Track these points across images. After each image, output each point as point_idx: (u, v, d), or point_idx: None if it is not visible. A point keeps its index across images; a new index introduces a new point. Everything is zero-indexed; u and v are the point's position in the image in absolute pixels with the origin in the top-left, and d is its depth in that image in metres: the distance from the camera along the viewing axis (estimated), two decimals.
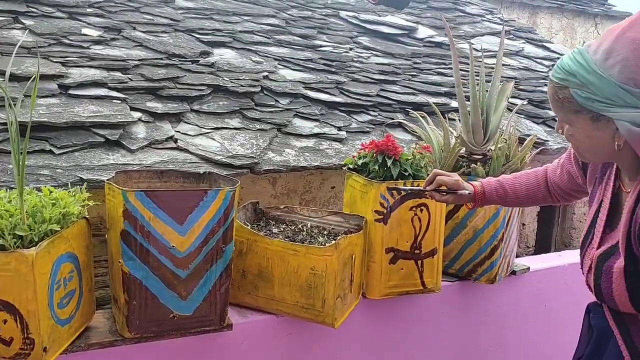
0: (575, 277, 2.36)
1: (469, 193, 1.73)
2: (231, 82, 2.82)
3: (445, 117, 2.36)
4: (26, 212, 1.39)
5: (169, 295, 1.58)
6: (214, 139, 2.37)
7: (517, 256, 2.45)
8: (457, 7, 5.60)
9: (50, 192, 1.50)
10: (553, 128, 3.34)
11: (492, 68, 3.77)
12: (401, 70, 3.68)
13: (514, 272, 2.36)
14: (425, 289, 2.04)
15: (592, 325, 1.48)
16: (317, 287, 1.74)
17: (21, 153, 1.32)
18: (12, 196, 1.46)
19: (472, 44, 4.85)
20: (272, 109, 2.73)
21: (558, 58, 4.85)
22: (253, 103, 2.74)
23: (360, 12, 4.59)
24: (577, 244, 3.75)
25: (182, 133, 2.37)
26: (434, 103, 3.12)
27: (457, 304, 2.24)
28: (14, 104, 1.31)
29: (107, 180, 1.60)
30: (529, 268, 2.42)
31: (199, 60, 3.01)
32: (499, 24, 5.45)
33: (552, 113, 3.49)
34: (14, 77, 2.31)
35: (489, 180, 1.80)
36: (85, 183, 1.62)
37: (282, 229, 2.00)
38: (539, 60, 4.62)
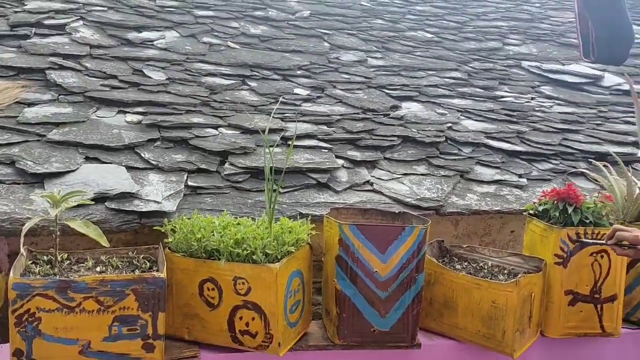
0: None
1: None
2: (418, 132, 3.16)
3: (629, 167, 2.42)
4: (272, 236, 1.84)
5: (371, 312, 1.92)
6: (403, 184, 2.71)
7: None
8: None
9: (287, 222, 1.95)
10: None
11: None
12: (585, 119, 3.71)
13: None
14: (604, 332, 2.13)
15: None
16: (497, 319, 1.95)
17: (274, 190, 1.78)
18: (259, 224, 1.93)
19: None
20: (455, 157, 3.01)
21: None
22: (438, 152, 3.05)
23: (543, 62, 4.68)
24: None
25: (377, 178, 2.75)
26: (620, 152, 3.14)
27: (637, 351, 2.26)
28: (268, 153, 1.78)
29: (326, 214, 2.01)
30: None
31: (389, 114, 3.41)
32: None
33: None
34: (246, 130, 2.90)
35: None
36: (309, 216, 2.05)
37: (464, 266, 2.25)
38: None
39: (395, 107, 3.53)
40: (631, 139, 3.40)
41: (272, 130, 2.92)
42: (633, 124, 3.70)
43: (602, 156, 3.05)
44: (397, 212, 2.16)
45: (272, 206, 1.80)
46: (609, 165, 2.55)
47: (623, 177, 2.43)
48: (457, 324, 2.06)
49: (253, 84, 3.57)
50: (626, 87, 4.35)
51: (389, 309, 1.93)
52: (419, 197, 2.59)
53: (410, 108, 3.57)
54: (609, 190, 2.41)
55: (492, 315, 1.96)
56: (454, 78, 4.20)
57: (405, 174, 2.81)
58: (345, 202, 2.49)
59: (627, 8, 3.05)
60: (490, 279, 2.12)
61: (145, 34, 3.99)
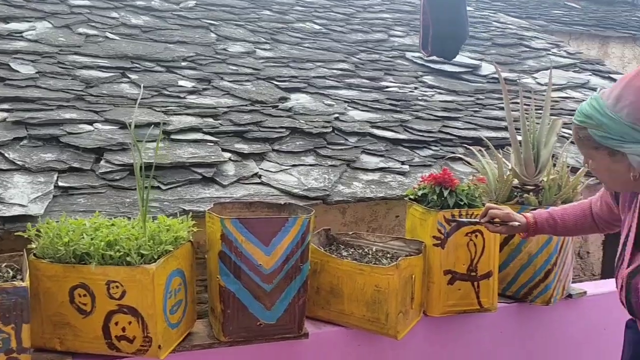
0: None
1: (519, 225, 1.95)
2: (306, 124, 3.17)
3: (501, 151, 2.58)
4: (147, 235, 1.76)
5: (256, 305, 1.90)
6: (292, 175, 2.71)
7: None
8: (523, 42, 5.77)
9: (164, 220, 1.87)
10: None
11: (557, 102, 3.93)
12: (464, 106, 3.91)
13: (570, 295, 2.51)
14: (482, 308, 2.25)
15: (628, 340, 1.66)
16: (380, 302, 2.00)
17: (147, 187, 1.70)
18: (134, 224, 1.84)
19: (536, 78, 5.00)
20: (342, 147, 3.05)
21: None
22: (325, 142, 3.07)
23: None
24: None
25: (265, 170, 2.72)
26: (495, 137, 3.34)
27: (513, 323, 2.42)
28: (135, 149, 1.69)
29: (208, 210, 1.96)
30: (585, 292, 2.56)
31: (278, 105, 3.39)
32: (565, 57, 5.57)
33: None
34: (124, 125, 2.76)
35: (540, 211, 2.02)
36: (190, 213, 1.98)
37: (350, 252, 2.29)
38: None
39: (283, 99, 3.52)
40: (504, 124, 3.62)
41: (155, 124, 2.81)
42: None
43: (478, 141, 3.23)
44: (282, 203, 2.15)
45: (145, 204, 1.72)
46: (482, 149, 2.69)
47: (495, 161, 2.58)
48: (343, 310, 2.09)
49: (134, 76, 3.41)
50: (502, 75, 4.64)
51: (275, 301, 1.92)
52: (306, 187, 2.60)
53: (298, 99, 3.58)
54: (482, 173, 2.55)
55: (376, 299, 2.01)
56: (341, 69, 4.27)
57: (294, 165, 2.81)
58: (232, 196, 2.44)
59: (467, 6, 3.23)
60: (374, 263, 2.16)
61: (13, 25, 3.69)
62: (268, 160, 2.81)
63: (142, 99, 3.11)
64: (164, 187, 2.38)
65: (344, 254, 2.27)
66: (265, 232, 1.87)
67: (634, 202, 1.64)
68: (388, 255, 2.25)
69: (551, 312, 2.46)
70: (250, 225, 1.86)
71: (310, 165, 2.83)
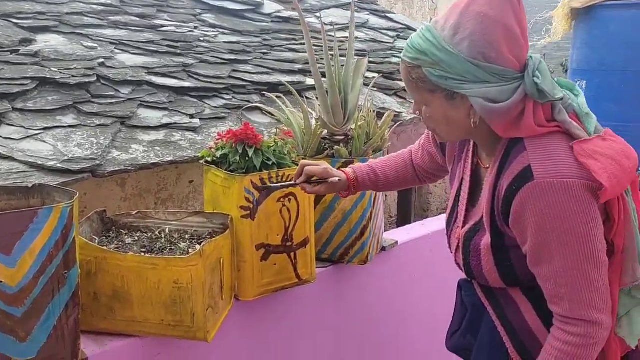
0: (439, 245, 2.43)
1: (339, 180, 1.67)
2: (60, 72, 2.47)
3: (302, 97, 2.26)
4: None
5: (3, 340, 1.31)
6: (45, 142, 2.05)
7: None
8: None
9: None
10: (405, 99, 3.41)
11: (343, 42, 3.76)
12: (251, 48, 3.51)
13: (383, 248, 2.37)
14: (300, 280, 1.95)
15: (464, 302, 1.49)
16: (183, 301, 1.56)
17: None
18: None
19: (320, 17, 4.81)
20: (113, 100, 2.44)
21: (402, 29, 4.99)
22: (89, 95, 2.42)
23: None
24: (435, 208, 3.93)
25: (5, 137, 2.01)
26: (289, 81, 3.02)
27: (332, 289, 2.19)
28: None
29: None
30: (397, 242, 2.44)
31: (19, 50, 2.59)
32: None
33: (402, 84, 3.56)
34: None
35: (360, 165, 1.77)
36: None
37: (136, 238, 1.78)
38: (384, 32, 4.71)
39: (27, 41, 2.72)
40: (297, 66, 3.33)
41: None
42: (297, 51, 3.66)
43: (274, 87, 2.88)
44: (30, 186, 1.53)
45: None
46: (282, 96, 2.34)
47: (298, 109, 2.25)
48: (134, 317, 1.60)
49: None
50: (286, 14, 4.33)
51: (31, 328, 1.35)
52: (67, 157, 1.98)
53: (48, 42, 2.80)
54: (286, 125, 2.21)
55: (177, 298, 1.56)
56: (103, 4, 3.52)
57: (46, 129, 2.14)
58: None
59: None
60: (170, 249, 1.71)
61: None
62: (8, 124, 2.09)
63: None
64: None
65: (129, 241, 1.76)
66: (3, 235, 1.28)
67: (464, 151, 1.44)
68: (186, 237, 1.80)
69: (367, 270, 2.29)
70: None
71: (71, 126, 2.19)
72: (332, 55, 2.17)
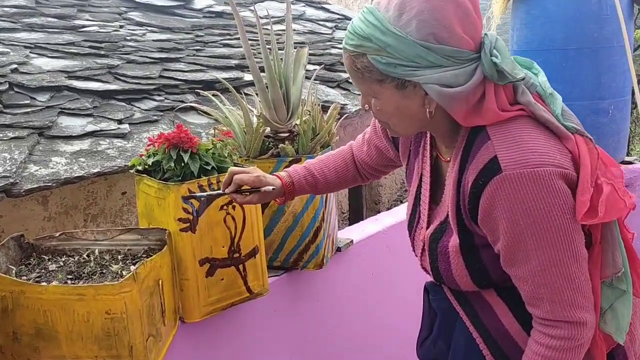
0: (395, 240, 2.31)
1: (273, 189, 1.51)
2: None
3: (241, 94, 2.09)
4: None
5: None
6: None
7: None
8: None
9: None
10: (348, 90, 3.29)
11: (280, 35, 3.60)
12: (183, 45, 3.30)
13: (339, 249, 2.23)
14: (252, 294, 1.78)
15: (432, 306, 1.37)
16: (118, 333, 1.36)
17: None
18: None
19: (255, 10, 4.62)
20: (28, 109, 2.19)
21: (339, 19, 4.87)
22: (0, 105, 2.17)
23: None
24: (386, 200, 3.83)
25: None
26: (225, 78, 2.84)
27: (287, 298, 2.04)
28: None
29: None
30: (352, 241, 2.31)
31: None
32: None
33: (345, 75, 3.43)
34: None
35: (295, 168, 1.60)
36: None
37: (61, 264, 1.57)
38: (321, 23, 4.58)
39: None
40: (234, 62, 3.14)
41: None
42: (232, 46, 3.48)
43: (210, 84, 2.69)
44: None
45: None
46: (219, 94, 2.16)
47: (237, 107, 2.08)
48: (62, 356, 1.39)
49: None
50: (218, 8, 4.13)
51: None
52: None
53: None
54: (225, 124, 2.03)
55: (111, 330, 1.37)
56: (16, 6, 3.22)
57: None
58: None
59: None
60: (101, 273, 1.50)
61: None
62: None
63: None
64: None
65: (52, 268, 1.54)
66: None
67: (420, 144, 1.30)
68: (119, 257, 1.60)
69: (323, 274, 2.14)
70: None
71: None
72: (269, 48, 2.01)
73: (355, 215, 3.61)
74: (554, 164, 1.02)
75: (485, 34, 1.08)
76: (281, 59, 2.05)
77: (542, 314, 1.06)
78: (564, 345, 1.05)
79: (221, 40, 3.57)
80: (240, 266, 1.74)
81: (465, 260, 1.16)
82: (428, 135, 1.27)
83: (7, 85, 2.27)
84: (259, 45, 2.00)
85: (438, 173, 1.26)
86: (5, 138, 1.98)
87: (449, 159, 1.20)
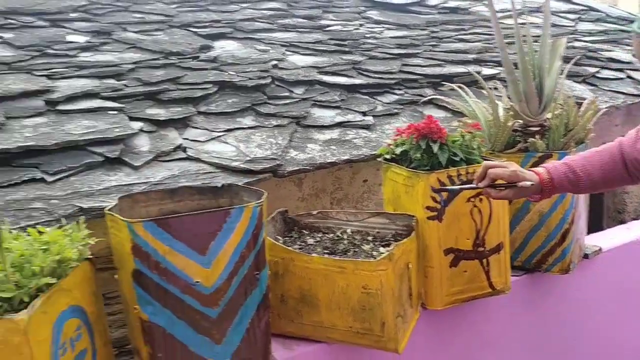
0: None
1: (532, 184, 1.44)
2: (238, 75, 2.52)
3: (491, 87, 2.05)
4: (12, 264, 1.11)
5: (200, 341, 1.31)
6: (227, 143, 2.08)
7: None
8: None
9: (41, 233, 1.22)
10: (596, 86, 3.01)
11: (522, 28, 3.43)
12: (419, 41, 3.35)
13: (586, 256, 2.06)
14: (494, 290, 1.75)
15: None
16: (372, 308, 1.45)
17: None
18: None
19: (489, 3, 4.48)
20: (287, 101, 2.43)
21: (583, 10, 4.47)
22: (265, 97, 2.44)
23: None
24: (632, 210, 3.43)
25: (191, 140, 2.08)
26: (464, 72, 2.81)
27: (527, 300, 1.95)
28: None
29: (108, 209, 1.32)
30: (600, 249, 2.12)
31: (199, 56, 2.71)
32: None
33: (591, 70, 3.15)
34: None
35: (555, 164, 1.51)
36: (83, 216, 1.34)
37: (318, 239, 1.72)
38: (562, 15, 4.26)
39: (206, 48, 2.84)
40: (470, 56, 3.10)
41: (33, 93, 2.09)
42: (468, 41, 3.43)
43: (448, 78, 2.69)
44: (219, 186, 1.53)
45: None
46: (464, 86, 2.15)
47: (481, 99, 2.05)
48: (321, 322, 1.53)
49: (8, 35, 2.63)
50: (453, 3, 4.11)
51: (226, 330, 1.33)
52: (248, 157, 1.99)
53: (224, 47, 2.90)
54: (470, 116, 2.01)
55: (365, 304, 1.46)
56: (272, 9, 3.59)
57: (229, 130, 2.18)
58: (149, 181, 1.80)
59: None
60: (354, 252, 1.61)
61: None
62: (194, 127, 2.17)
63: (18, 61, 2.36)
64: (50, 179, 1.71)
65: (311, 242, 1.70)
66: (199, 235, 1.27)
67: None
68: (369, 238, 1.70)
69: (567, 280, 2.00)
70: (174, 227, 1.24)
71: (250, 127, 2.21)
72: (524, 38, 1.93)
73: (593, 224, 3.29)
74: None
75: None
76: (536, 50, 1.97)
77: None
78: None
79: (456, 35, 3.54)
80: (484, 260, 1.72)
81: None
82: None
83: (270, 79, 2.55)
84: (515, 36, 1.93)
85: None
86: (270, 125, 2.23)
87: None
